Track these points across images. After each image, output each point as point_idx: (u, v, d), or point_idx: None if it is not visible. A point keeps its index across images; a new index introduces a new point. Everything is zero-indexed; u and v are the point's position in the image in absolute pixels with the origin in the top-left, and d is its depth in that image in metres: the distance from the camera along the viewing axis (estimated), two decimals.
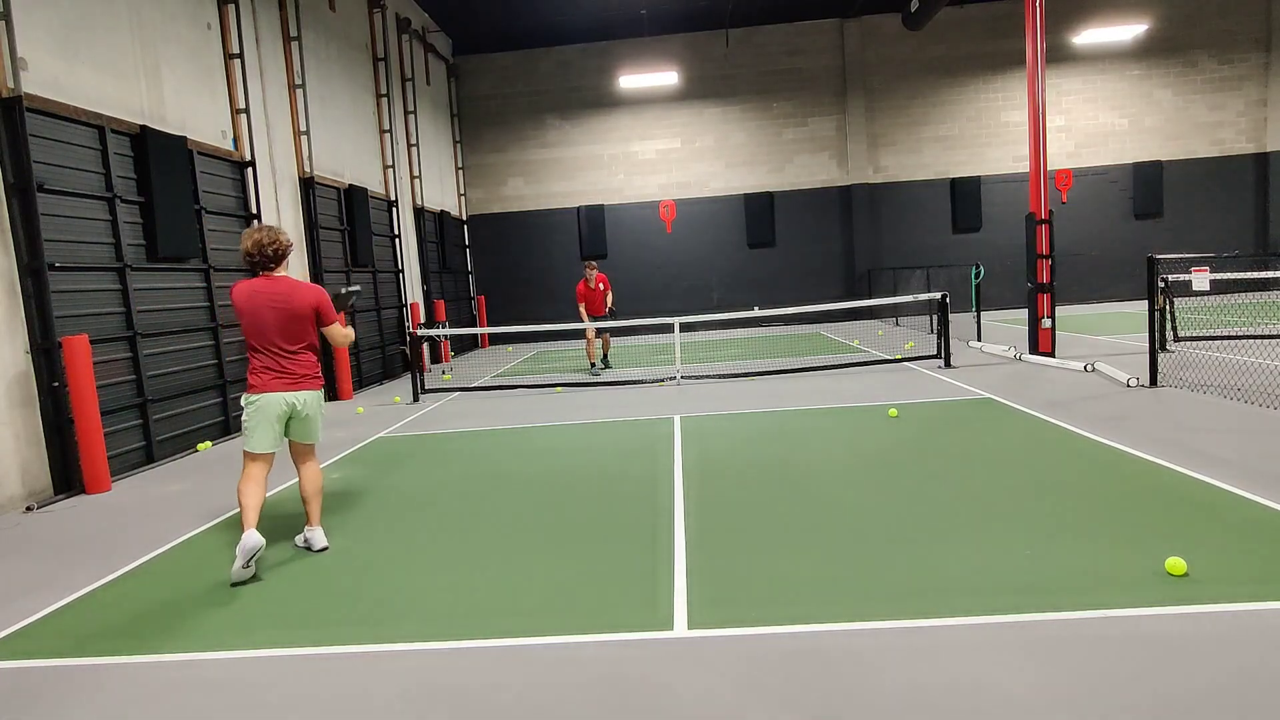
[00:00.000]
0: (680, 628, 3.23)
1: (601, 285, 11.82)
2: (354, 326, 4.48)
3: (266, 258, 4.31)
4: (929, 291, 11.93)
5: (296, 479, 4.71)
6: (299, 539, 4.60)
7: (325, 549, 4.50)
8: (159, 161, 7.61)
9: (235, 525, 5.16)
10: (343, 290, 5.01)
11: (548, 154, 19.46)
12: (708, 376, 10.67)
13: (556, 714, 2.67)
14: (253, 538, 4.00)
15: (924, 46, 18.78)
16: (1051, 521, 4.17)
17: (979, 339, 12.29)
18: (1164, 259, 8.16)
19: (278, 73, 10.32)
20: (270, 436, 4.32)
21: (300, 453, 4.55)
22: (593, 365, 12.09)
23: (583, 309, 11.82)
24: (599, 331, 12.28)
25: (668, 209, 19.38)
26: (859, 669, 2.80)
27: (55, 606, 3.93)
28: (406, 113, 15.39)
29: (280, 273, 4.40)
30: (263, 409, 4.28)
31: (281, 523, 5.08)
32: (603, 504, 5.08)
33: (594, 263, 12.05)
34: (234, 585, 4.03)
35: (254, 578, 4.10)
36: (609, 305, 12.03)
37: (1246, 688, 2.53)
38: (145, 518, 5.51)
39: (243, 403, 4.36)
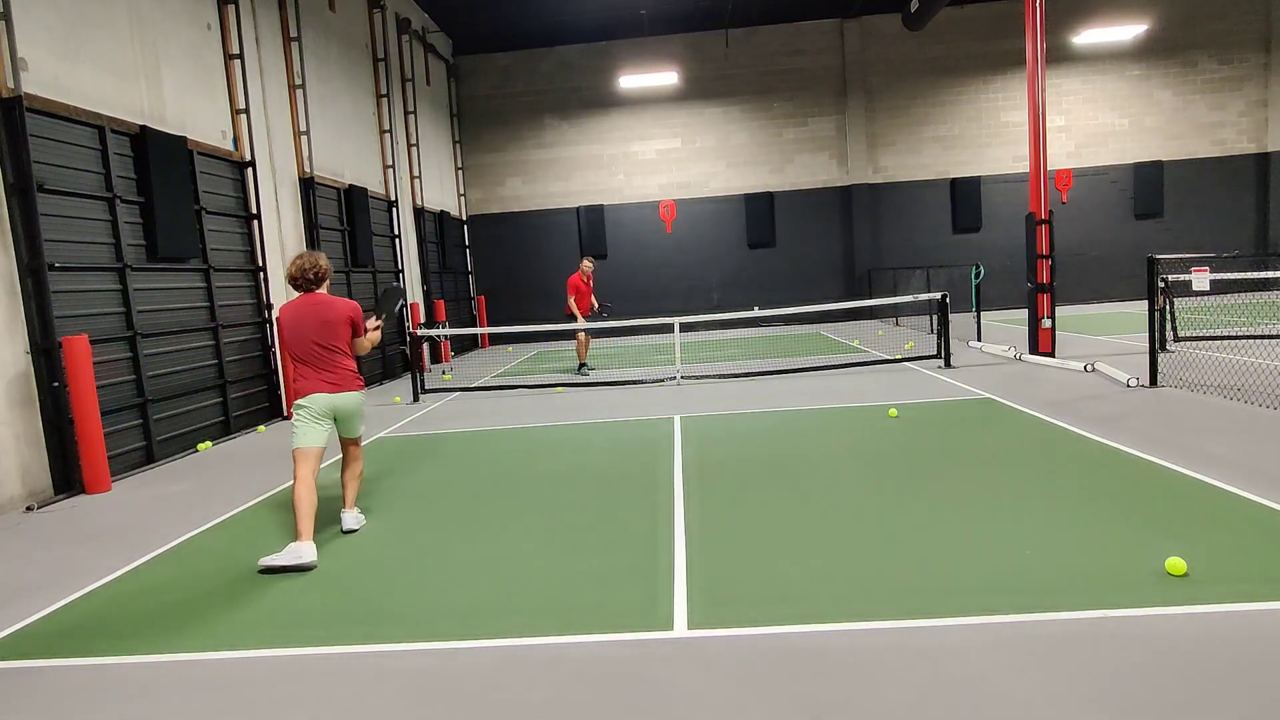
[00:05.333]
0: (680, 628, 3.23)
1: (591, 283, 11.92)
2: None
3: (308, 280, 4.79)
4: (929, 291, 11.93)
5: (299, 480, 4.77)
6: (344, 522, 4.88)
7: (353, 531, 4.83)
8: (159, 161, 7.61)
9: (236, 527, 5.18)
10: (391, 286, 5.17)
11: (547, 154, 19.46)
12: (708, 376, 10.67)
13: (556, 714, 2.67)
14: (311, 553, 4.25)
15: (924, 46, 18.78)
16: (1051, 522, 4.17)
17: (979, 339, 12.30)
18: (1164, 259, 8.16)
19: (278, 73, 10.32)
20: (316, 433, 4.64)
21: (347, 443, 5.02)
22: (581, 365, 12.09)
23: (573, 302, 11.74)
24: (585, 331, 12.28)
25: (668, 209, 19.38)
26: (859, 669, 2.80)
27: (55, 606, 3.93)
28: (406, 113, 15.39)
29: (320, 291, 4.86)
30: (308, 409, 4.64)
31: (281, 524, 5.08)
32: (603, 504, 5.08)
33: (591, 258, 12.13)
34: (261, 572, 4.20)
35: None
36: (594, 304, 12.01)
37: (1246, 688, 2.52)
38: (145, 518, 5.51)
39: (294, 408, 4.71)
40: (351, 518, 4.87)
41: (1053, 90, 18.38)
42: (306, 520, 4.36)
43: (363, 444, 7.53)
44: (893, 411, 7.37)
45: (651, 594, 3.59)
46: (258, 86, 9.76)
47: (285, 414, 9.62)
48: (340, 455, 5.10)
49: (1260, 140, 18.82)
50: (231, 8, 9.19)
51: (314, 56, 11.39)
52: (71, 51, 6.80)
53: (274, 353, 9.57)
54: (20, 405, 6.09)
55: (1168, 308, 9.97)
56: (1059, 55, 18.36)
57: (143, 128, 7.50)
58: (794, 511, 4.65)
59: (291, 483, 4.54)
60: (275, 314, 4.82)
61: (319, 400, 4.65)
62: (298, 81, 10.67)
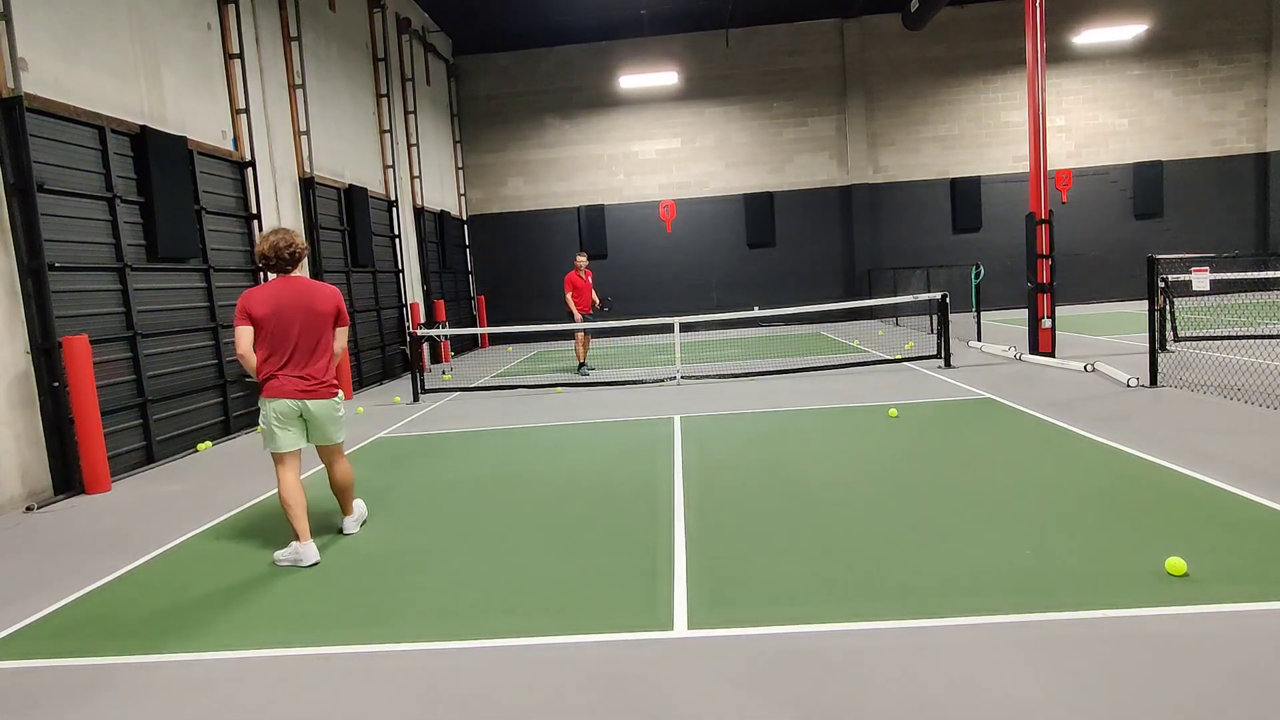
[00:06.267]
0: (680, 628, 3.23)
1: (590, 277, 11.82)
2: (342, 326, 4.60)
3: (283, 260, 4.33)
4: (929, 291, 11.93)
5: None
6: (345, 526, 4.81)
7: (353, 533, 4.76)
8: (159, 161, 7.61)
9: (235, 527, 5.18)
10: None
11: (548, 154, 19.46)
12: (708, 376, 10.67)
13: (556, 714, 2.67)
14: (313, 554, 4.26)
15: (924, 46, 18.78)
16: (1052, 522, 4.17)
17: (979, 339, 12.29)
18: (1164, 259, 8.16)
19: (278, 73, 10.32)
20: (291, 437, 4.37)
21: (326, 453, 4.63)
22: (581, 365, 12.05)
23: (570, 299, 11.62)
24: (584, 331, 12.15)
25: (668, 209, 19.38)
26: (859, 669, 2.80)
27: (55, 606, 3.93)
28: (406, 113, 15.39)
29: (295, 274, 4.43)
30: (276, 413, 4.32)
31: (281, 524, 5.09)
32: (603, 504, 5.08)
33: (585, 253, 11.98)
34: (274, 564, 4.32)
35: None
36: (595, 300, 11.89)
37: (1246, 688, 2.52)
38: (145, 518, 5.51)
39: (260, 405, 4.39)
40: (351, 522, 4.77)
41: (1053, 90, 18.38)
42: (302, 520, 4.29)
43: (364, 444, 7.57)
44: (893, 411, 7.37)
45: (651, 594, 3.58)
46: (258, 86, 9.76)
47: None
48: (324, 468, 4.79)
49: (1260, 140, 18.82)
50: (231, 8, 9.19)
51: (314, 56, 11.39)
52: (71, 51, 6.80)
53: None
54: (20, 405, 6.09)
55: (1168, 308, 9.97)
56: (1059, 55, 18.36)
57: (143, 128, 7.50)
58: (794, 511, 4.65)
59: (315, 474, 4.44)
60: (240, 301, 4.33)
61: (285, 405, 4.29)
62: (298, 81, 10.67)
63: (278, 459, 4.38)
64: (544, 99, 19.28)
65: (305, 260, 4.53)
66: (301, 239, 4.44)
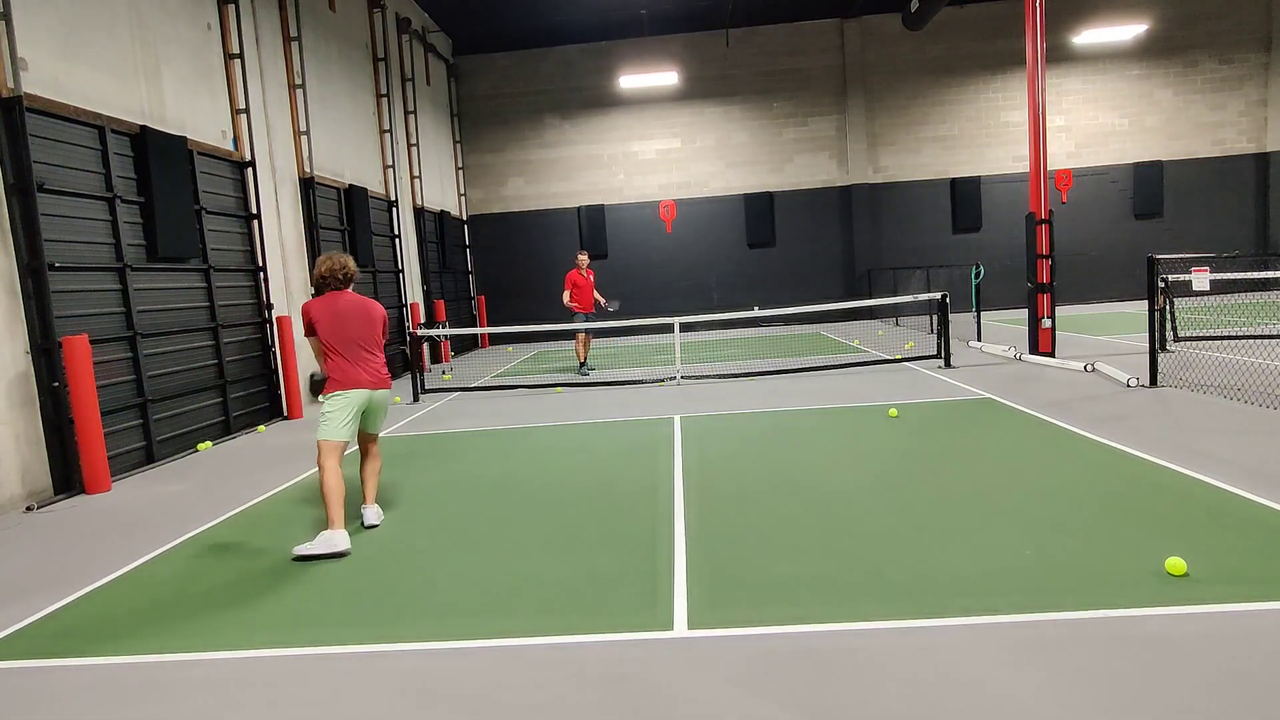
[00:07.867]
0: (680, 628, 3.23)
1: (591, 276, 11.77)
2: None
3: (338, 280, 4.88)
4: (929, 291, 11.93)
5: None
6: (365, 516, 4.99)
7: (375, 526, 4.92)
8: (159, 161, 7.61)
9: (235, 526, 5.18)
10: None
11: (548, 154, 19.46)
12: (708, 376, 10.67)
13: (556, 714, 2.67)
14: (345, 541, 4.41)
15: (924, 46, 18.78)
16: (1052, 521, 4.17)
17: (979, 339, 12.29)
18: (1164, 259, 8.16)
19: (278, 73, 10.32)
20: (351, 426, 4.76)
21: (368, 439, 5.09)
22: (582, 365, 12.02)
23: (568, 296, 11.52)
24: (585, 331, 12.09)
25: (668, 209, 19.38)
26: (859, 669, 2.81)
27: (55, 607, 3.93)
28: (406, 113, 15.38)
29: (350, 291, 4.96)
30: (350, 401, 4.71)
31: (282, 524, 5.09)
32: (603, 504, 5.08)
33: (586, 252, 11.99)
34: (295, 560, 4.35)
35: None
36: (598, 299, 11.81)
37: (1246, 688, 2.53)
38: (145, 518, 5.51)
39: (322, 398, 4.79)
40: (373, 513, 4.97)
41: (1053, 90, 18.38)
42: (339, 508, 4.50)
43: (357, 446, 7.57)
44: (893, 411, 7.36)
45: (651, 594, 3.59)
46: (258, 86, 9.76)
47: (285, 414, 9.62)
48: (358, 450, 5.17)
49: (1260, 140, 18.82)
50: (231, 8, 9.19)
51: (314, 56, 11.39)
52: (71, 51, 6.79)
53: (274, 353, 9.56)
54: (20, 405, 6.09)
55: (1168, 308, 9.98)
56: (1059, 55, 18.36)
57: (143, 128, 7.50)
58: (794, 511, 4.65)
59: (317, 472, 4.66)
60: (302, 310, 4.88)
61: (361, 395, 4.75)
62: (298, 81, 10.66)
63: (329, 448, 4.63)
64: (544, 99, 19.28)
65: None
66: (354, 264, 4.98)
